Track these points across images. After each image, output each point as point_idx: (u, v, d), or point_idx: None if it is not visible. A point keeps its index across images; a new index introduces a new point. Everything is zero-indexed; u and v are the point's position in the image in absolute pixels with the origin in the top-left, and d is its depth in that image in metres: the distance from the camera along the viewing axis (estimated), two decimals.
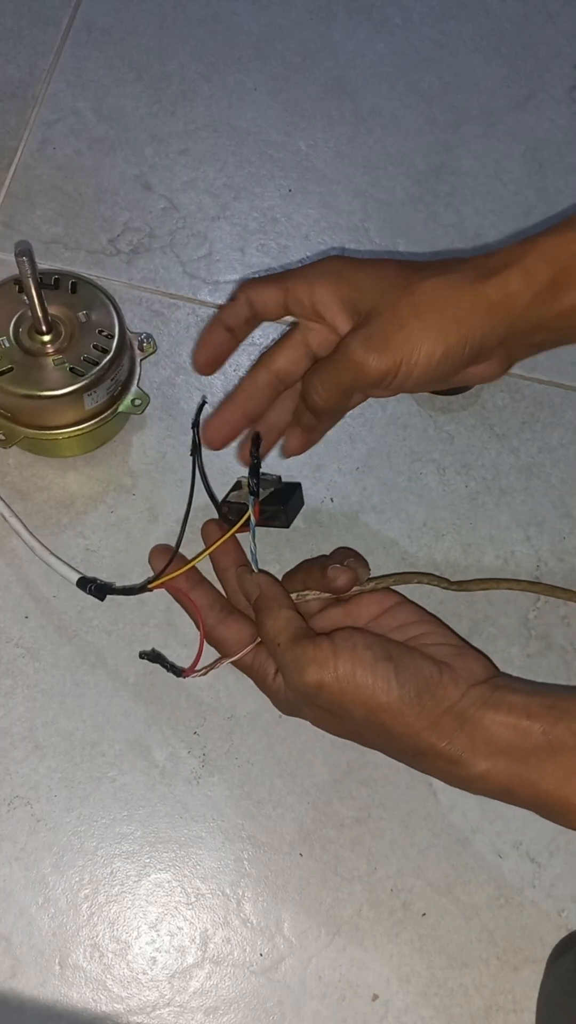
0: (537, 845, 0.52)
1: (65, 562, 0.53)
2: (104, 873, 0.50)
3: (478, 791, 0.43)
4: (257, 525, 0.48)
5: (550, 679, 0.55)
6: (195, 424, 0.51)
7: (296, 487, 0.55)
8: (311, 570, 0.48)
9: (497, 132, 0.72)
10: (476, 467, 0.61)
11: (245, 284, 0.50)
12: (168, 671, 0.50)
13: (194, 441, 0.51)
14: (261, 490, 0.51)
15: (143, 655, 0.51)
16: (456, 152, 0.71)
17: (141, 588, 0.50)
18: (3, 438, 0.55)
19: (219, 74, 0.72)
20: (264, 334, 0.64)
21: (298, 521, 0.58)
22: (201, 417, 0.51)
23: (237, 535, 0.51)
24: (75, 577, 0.52)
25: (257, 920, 0.50)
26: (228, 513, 0.53)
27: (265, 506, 0.52)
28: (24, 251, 0.49)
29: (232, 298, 0.50)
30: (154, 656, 0.51)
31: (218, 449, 0.53)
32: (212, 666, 0.48)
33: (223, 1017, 0.48)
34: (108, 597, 0.52)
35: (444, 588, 0.54)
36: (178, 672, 0.50)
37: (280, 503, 0.53)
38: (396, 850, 0.51)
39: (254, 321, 0.50)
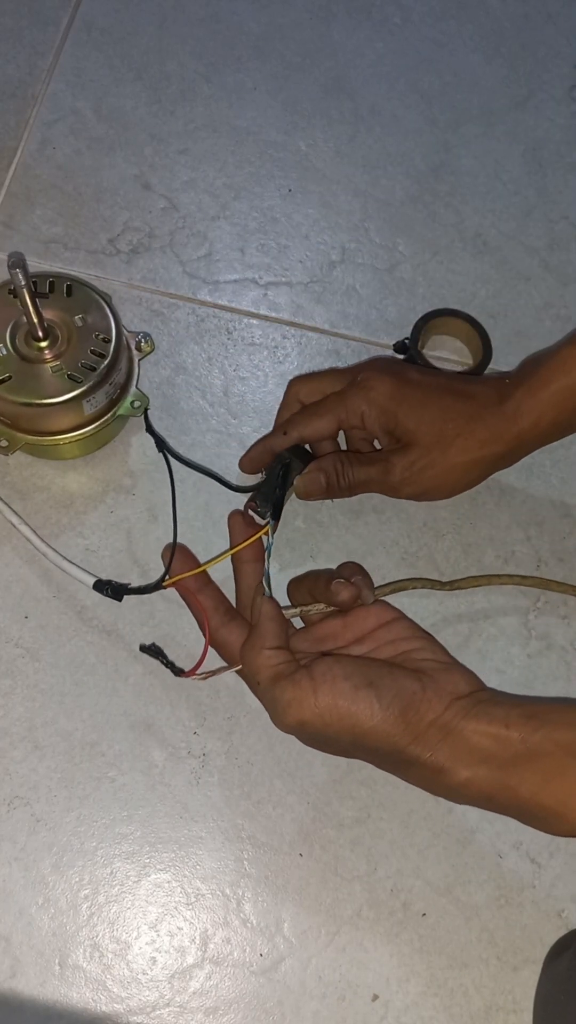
0: (537, 845, 0.52)
1: (81, 567, 0.53)
2: (104, 873, 0.50)
3: (462, 799, 0.44)
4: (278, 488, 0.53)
5: (550, 679, 0.55)
6: (148, 428, 0.57)
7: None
8: (317, 581, 0.49)
9: (497, 132, 0.72)
10: None
11: (297, 418, 0.55)
12: (167, 667, 0.50)
13: (157, 440, 0.55)
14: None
15: (143, 648, 0.51)
16: (456, 152, 0.71)
17: (156, 586, 0.50)
18: (6, 444, 0.55)
19: (219, 74, 0.72)
20: (264, 334, 0.64)
21: (299, 521, 0.58)
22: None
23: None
24: (91, 581, 0.52)
25: (257, 920, 0.50)
26: (257, 506, 0.54)
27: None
28: (17, 262, 0.49)
29: (283, 432, 0.56)
30: (155, 651, 0.51)
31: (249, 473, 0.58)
32: (213, 673, 0.48)
33: (223, 1017, 0.48)
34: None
35: (437, 589, 0.54)
36: (177, 671, 0.49)
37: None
38: (396, 850, 0.51)
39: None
